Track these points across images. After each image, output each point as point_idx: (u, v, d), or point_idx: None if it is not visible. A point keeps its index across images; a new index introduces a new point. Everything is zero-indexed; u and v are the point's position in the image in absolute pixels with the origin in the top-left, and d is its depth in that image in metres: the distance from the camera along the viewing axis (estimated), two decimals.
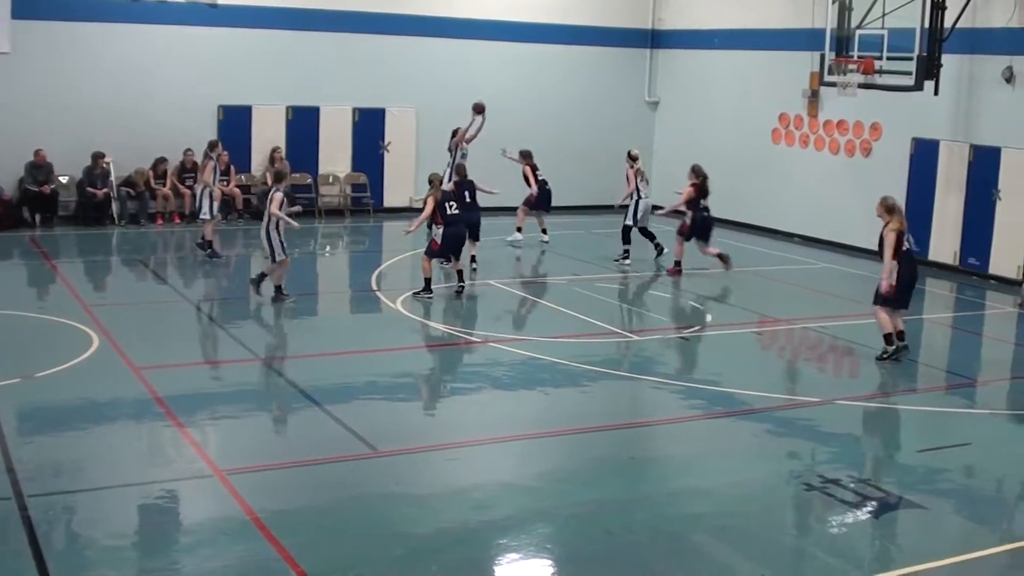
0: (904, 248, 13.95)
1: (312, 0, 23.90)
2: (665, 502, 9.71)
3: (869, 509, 9.62)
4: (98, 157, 22.03)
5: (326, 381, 12.67)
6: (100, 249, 20.98)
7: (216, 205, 19.51)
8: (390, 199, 25.25)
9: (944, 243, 20.62)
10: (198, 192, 19.54)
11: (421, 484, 9.82)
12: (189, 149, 22.70)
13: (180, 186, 22.88)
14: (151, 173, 22.85)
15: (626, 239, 20.18)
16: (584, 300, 17.10)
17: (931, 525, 9.43)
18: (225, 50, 23.33)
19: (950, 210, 20.66)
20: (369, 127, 24.93)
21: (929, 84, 19.11)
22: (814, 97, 23.41)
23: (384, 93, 24.95)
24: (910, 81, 19.13)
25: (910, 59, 19.08)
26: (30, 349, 13.42)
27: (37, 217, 21.87)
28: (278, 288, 16.28)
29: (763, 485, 10.11)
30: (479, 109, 21.35)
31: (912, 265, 14.17)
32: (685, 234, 19.46)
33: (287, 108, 24.14)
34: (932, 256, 20.53)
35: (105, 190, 22.23)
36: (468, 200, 17.93)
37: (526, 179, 21.62)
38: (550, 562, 8.46)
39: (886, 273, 13.98)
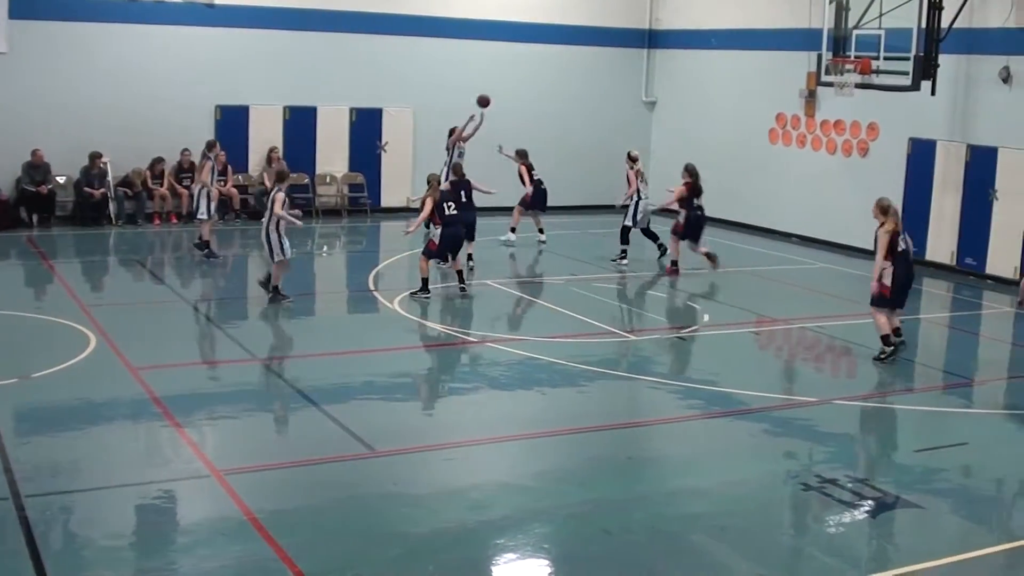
0: (900, 249, 13.96)
1: (309, 0, 23.91)
2: (663, 502, 9.72)
3: (866, 509, 9.62)
4: (95, 157, 22.02)
5: (324, 381, 12.67)
6: (97, 249, 20.97)
7: (214, 205, 19.50)
8: (387, 199, 25.24)
9: (941, 243, 20.64)
10: (195, 192, 19.53)
11: (419, 484, 9.82)
12: (186, 149, 22.69)
13: (177, 186, 22.87)
14: (148, 173, 22.84)
15: (624, 239, 20.19)
16: (581, 300, 17.10)
17: (928, 525, 9.44)
18: (222, 50, 23.32)
19: (947, 210, 20.67)
20: (366, 127, 24.93)
21: (926, 84, 19.12)
22: (811, 97, 23.42)
23: (381, 93, 24.95)
24: (907, 81, 19.15)
25: (907, 59, 19.10)
26: (27, 349, 13.42)
27: (34, 217, 21.86)
28: (276, 288, 16.27)
29: (761, 485, 10.12)
30: (484, 102, 21.28)
31: (908, 266, 14.18)
32: (680, 233, 19.51)
33: (284, 108, 24.13)
34: (929, 256, 20.55)
35: (102, 190, 22.22)
36: (464, 200, 17.94)
37: (521, 178, 21.62)
38: (548, 562, 8.46)
39: (876, 274, 14.05)
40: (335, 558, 8.20)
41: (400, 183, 25.11)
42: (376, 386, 12.60)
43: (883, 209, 14.01)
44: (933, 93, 19.31)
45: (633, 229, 20.23)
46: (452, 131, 21.95)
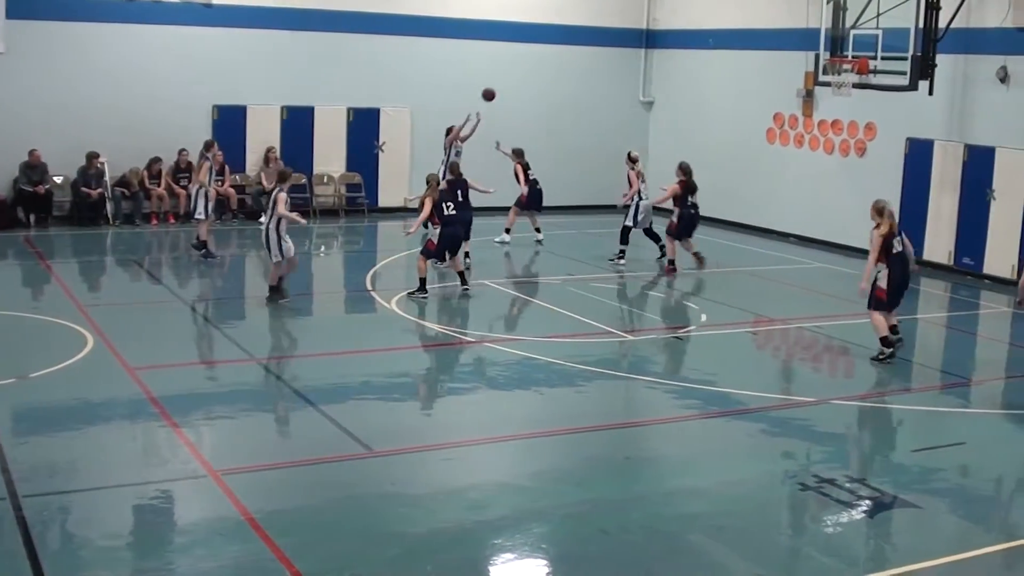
0: (896, 251, 13.98)
1: (307, 0, 23.89)
2: (660, 502, 9.71)
3: (864, 509, 9.62)
4: (92, 157, 22.01)
5: (321, 381, 12.67)
6: (95, 249, 20.95)
7: (211, 205, 19.50)
8: (385, 199, 25.23)
9: (938, 243, 20.64)
10: (193, 192, 19.52)
11: (416, 484, 9.82)
12: (184, 149, 22.68)
13: (175, 186, 22.86)
14: (146, 173, 22.81)
15: (624, 240, 20.19)
16: (579, 300, 17.10)
17: (926, 524, 9.44)
18: (220, 50, 23.31)
19: (944, 210, 20.68)
20: (364, 127, 24.92)
21: (923, 84, 19.13)
22: (809, 97, 23.43)
23: (379, 93, 24.94)
24: (904, 81, 19.15)
25: (904, 59, 19.10)
26: (25, 349, 13.41)
27: (31, 217, 21.84)
28: (273, 288, 16.27)
29: (758, 485, 10.12)
30: (488, 96, 21.24)
31: (904, 267, 14.18)
32: (674, 232, 19.57)
33: (282, 108, 24.12)
34: (927, 256, 20.54)
35: (100, 190, 22.20)
36: (461, 199, 17.94)
37: (516, 177, 21.61)
38: (545, 562, 8.46)
39: (866, 275, 14.14)
40: (333, 558, 8.20)
41: (398, 183, 25.10)
42: (374, 386, 12.60)
43: (878, 211, 14.04)
44: (931, 93, 19.32)
45: (634, 229, 20.24)
46: (449, 131, 21.93)
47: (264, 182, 23.58)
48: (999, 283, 19.50)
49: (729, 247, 22.84)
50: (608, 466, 10.48)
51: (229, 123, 23.52)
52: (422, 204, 16.98)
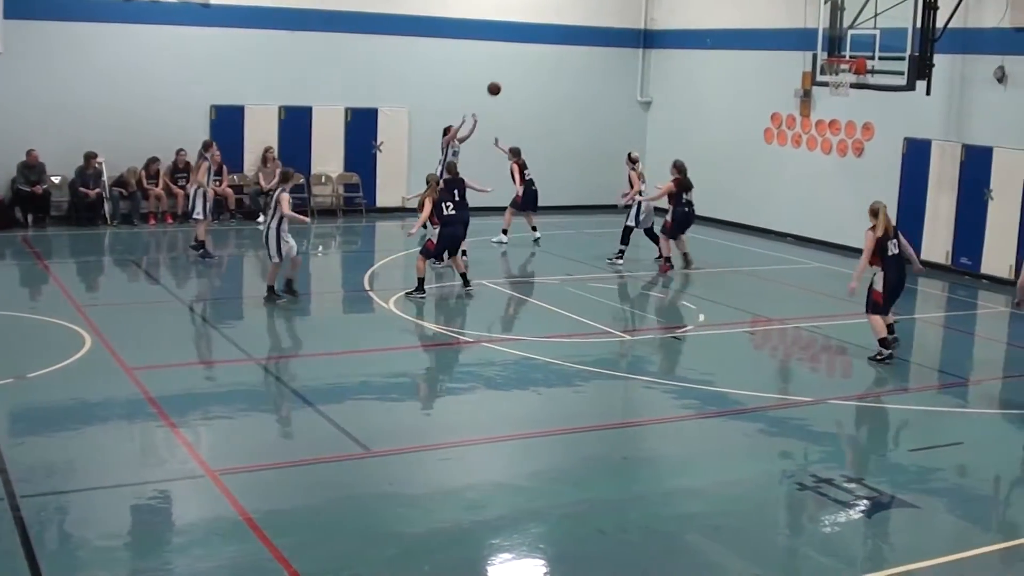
0: (891, 253, 14.00)
1: (304, 0, 23.89)
2: (658, 502, 9.72)
3: (862, 508, 9.63)
4: (90, 157, 22.00)
5: (319, 381, 12.67)
6: (92, 249, 20.94)
7: (209, 205, 19.49)
8: (383, 199, 25.23)
9: (936, 243, 20.65)
10: (192, 192, 19.51)
11: (414, 484, 9.82)
12: (182, 149, 22.69)
13: (173, 186, 22.86)
14: (143, 173, 22.81)
15: (625, 240, 20.18)
16: (577, 300, 17.11)
17: (923, 524, 9.45)
18: (218, 50, 23.30)
19: (942, 210, 20.70)
20: (362, 127, 24.92)
21: (921, 84, 19.14)
22: (806, 97, 23.44)
23: (377, 93, 24.94)
24: (902, 81, 19.16)
25: (902, 59, 19.11)
26: (22, 349, 13.40)
27: (29, 217, 21.84)
28: (270, 288, 16.28)
29: (756, 484, 10.13)
30: (494, 90, 21.20)
31: (900, 270, 14.19)
32: (669, 231, 19.62)
33: (279, 108, 24.12)
34: (924, 256, 20.45)
35: (97, 190, 22.19)
36: (458, 198, 17.94)
37: (512, 176, 21.61)
38: (543, 562, 8.46)
39: (856, 274, 14.20)
40: (330, 558, 8.20)
41: (395, 183, 25.11)
42: (372, 386, 12.60)
43: (873, 212, 14.10)
44: (928, 93, 19.34)
45: (636, 230, 20.24)
46: (447, 131, 21.93)
47: (262, 182, 23.59)
48: (997, 283, 19.51)
49: (727, 247, 22.86)
50: (606, 466, 10.49)
51: (227, 123, 23.51)
52: (422, 204, 16.99)
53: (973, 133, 20.27)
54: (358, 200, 24.97)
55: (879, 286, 14.08)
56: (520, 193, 21.61)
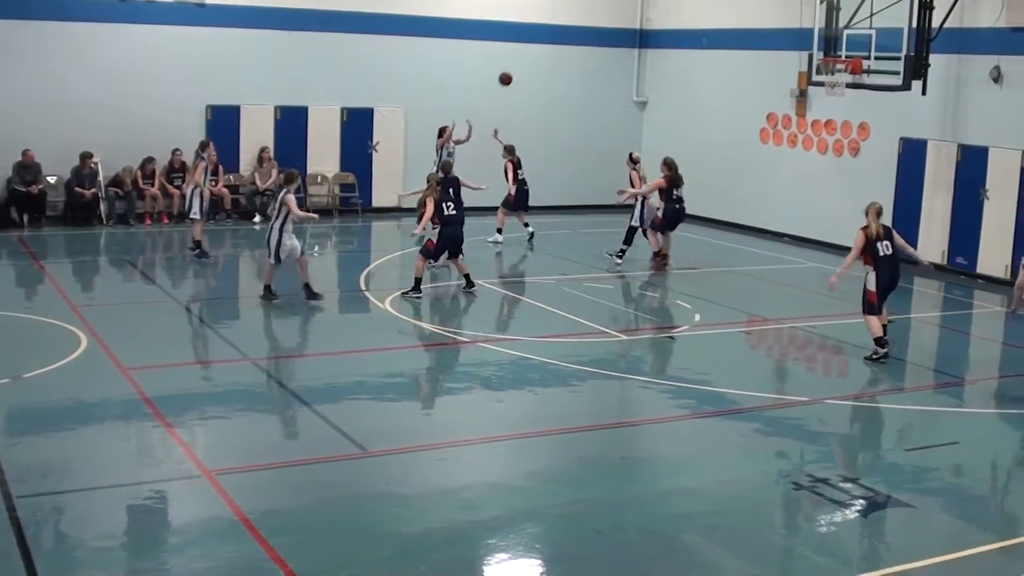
0: (883, 254, 14.05)
1: (300, 0, 23.87)
2: (655, 501, 9.72)
3: (858, 508, 9.64)
4: (86, 157, 21.99)
5: (315, 381, 12.67)
6: (88, 249, 20.93)
7: (206, 205, 19.48)
8: (378, 199, 25.22)
9: (932, 242, 20.65)
10: (188, 192, 19.50)
11: (410, 484, 9.82)
12: (177, 149, 22.68)
13: (168, 186, 22.85)
14: (139, 173, 22.80)
15: (627, 239, 20.17)
16: (573, 300, 17.11)
17: (919, 524, 9.46)
18: (213, 50, 23.29)
19: (938, 209, 20.71)
20: (357, 127, 24.91)
21: (917, 84, 19.15)
22: (802, 97, 23.46)
23: (372, 93, 24.93)
24: (898, 81, 19.17)
25: (898, 59, 19.12)
26: (18, 349, 13.39)
27: (25, 217, 21.82)
28: (267, 288, 16.28)
29: (752, 484, 10.13)
30: (506, 80, 21.15)
31: (890, 271, 14.21)
32: (658, 227, 19.67)
33: (275, 108, 24.11)
34: (920, 255, 20.56)
35: (93, 190, 22.18)
36: (453, 197, 17.93)
37: (505, 174, 21.61)
38: (539, 562, 8.46)
39: (840, 269, 14.36)
40: (327, 558, 8.19)
41: (391, 183, 25.10)
42: (368, 386, 12.60)
43: (865, 211, 14.17)
44: (924, 93, 19.35)
45: (639, 230, 20.23)
46: (442, 132, 21.92)
47: (258, 182, 23.60)
48: (992, 283, 19.54)
49: (723, 247, 22.88)
50: (602, 466, 10.49)
51: (223, 123, 23.49)
52: (424, 204, 17.01)
53: (969, 133, 20.29)
54: (354, 200, 24.96)
55: (871, 286, 14.12)
56: (512, 192, 21.61)
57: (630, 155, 20.77)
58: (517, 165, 21.74)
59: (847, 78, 19.96)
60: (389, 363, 13.58)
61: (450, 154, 21.41)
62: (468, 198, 19.04)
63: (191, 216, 19.24)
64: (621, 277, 19.37)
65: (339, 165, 24.94)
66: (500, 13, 25.90)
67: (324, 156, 24.73)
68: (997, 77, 19.67)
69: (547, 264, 20.39)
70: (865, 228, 14.03)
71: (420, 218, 17.33)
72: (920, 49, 18.98)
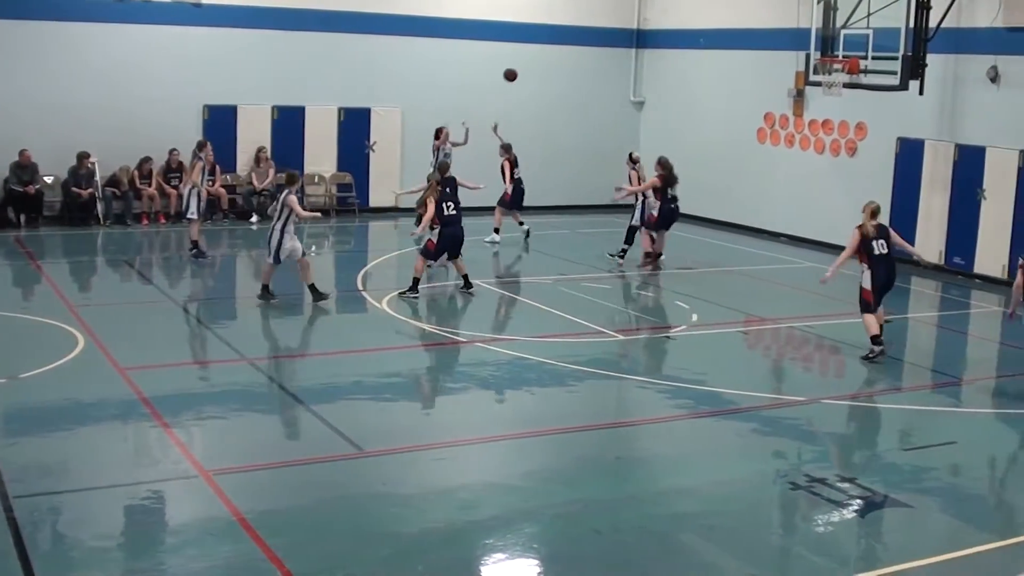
0: (878, 253, 14.08)
1: (297, 0, 23.86)
2: (652, 501, 9.72)
3: (855, 508, 9.64)
4: (83, 157, 21.97)
5: (312, 381, 12.67)
6: (85, 249, 20.91)
7: (203, 205, 19.48)
8: (376, 199, 25.20)
9: (929, 242, 20.65)
10: (185, 192, 19.49)
11: (408, 484, 9.82)
12: (174, 149, 22.66)
13: (165, 186, 22.84)
14: (136, 173, 22.79)
15: (629, 239, 20.17)
16: (570, 300, 17.11)
17: (917, 524, 9.46)
18: (210, 50, 23.27)
19: (935, 209, 20.72)
20: (355, 127, 24.90)
21: (914, 84, 19.17)
22: (799, 97, 23.47)
23: (370, 93, 24.92)
24: (895, 81, 19.19)
25: (895, 59, 19.14)
26: (15, 350, 13.38)
27: (22, 217, 21.80)
28: (265, 287, 16.27)
29: (749, 484, 10.13)
30: (511, 76, 21.16)
31: (886, 270, 14.23)
32: (652, 224, 19.69)
33: (272, 108, 24.09)
34: (919, 253, 20.57)
35: (90, 190, 22.17)
36: (451, 197, 17.92)
37: (502, 173, 21.61)
38: (537, 562, 8.46)
39: (832, 267, 14.35)
40: (324, 558, 8.19)
41: (388, 183, 25.05)
42: (365, 386, 12.59)
43: (862, 210, 14.20)
44: (921, 93, 19.37)
45: (639, 230, 20.24)
46: (439, 132, 21.91)
47: (255, 182, 23.59)
48: (990, 282, 19.55)
49: (720, 247, 22.88)
50: (599, 466, 10.49)
51: (220, 123, 23.48)
52: (425, 204, 17.01)
53: (966, 133, 20.30)
54: (351, 200, 24.96)
55: (867, 284, 14.15)
56: (509, 191, 21.61)
57: (630, 155, 20.79)
58: (514, 164, 21.75)
59: (844, 78, 19.98)
60: (386, 363, 13.58)
61: (447, 155, 21.42)
62: (464, 198, 19.01)
63: (188, 216, 19.23)
64: (621, 277, 19.37)
65: (336, 165, 24.93)
66: (498, 13, 25.90)
67: (321, 156, 24.72)
68: (994, 77, 19.68)
69: (544, 264, 20.39)
70: (860, 227, 14.06)
71: (419, 218, 17.33)
72: (917, 49, 19.00)
